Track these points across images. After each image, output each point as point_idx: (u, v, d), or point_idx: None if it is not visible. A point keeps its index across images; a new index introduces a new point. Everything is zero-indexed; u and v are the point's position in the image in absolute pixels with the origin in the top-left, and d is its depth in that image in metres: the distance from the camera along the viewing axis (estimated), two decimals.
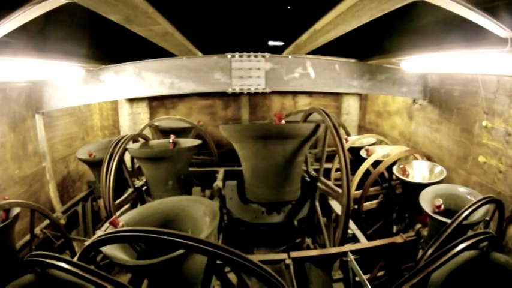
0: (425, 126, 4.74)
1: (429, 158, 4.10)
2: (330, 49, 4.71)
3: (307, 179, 3.92)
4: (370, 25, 2.96)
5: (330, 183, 3.68)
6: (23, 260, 1.62)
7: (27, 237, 3.12)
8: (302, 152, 3.28)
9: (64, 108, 4.77)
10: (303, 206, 3.85)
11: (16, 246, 2.86)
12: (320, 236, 3.78)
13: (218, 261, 1.75)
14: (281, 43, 5.58)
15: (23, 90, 3.96)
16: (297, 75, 4.24)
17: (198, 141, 3.96)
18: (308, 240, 4.17)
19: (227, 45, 4.53)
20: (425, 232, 3.02)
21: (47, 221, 3.44)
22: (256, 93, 4.32)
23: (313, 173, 3.93)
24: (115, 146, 3.53)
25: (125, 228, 1.77)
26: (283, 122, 3.33)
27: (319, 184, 3.61)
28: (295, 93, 7.56)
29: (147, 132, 5.96)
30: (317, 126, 3.16)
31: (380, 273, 3.03)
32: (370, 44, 4.86)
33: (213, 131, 7.11)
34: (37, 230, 3.38)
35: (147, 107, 7.22)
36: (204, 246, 1.42)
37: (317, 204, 3.69)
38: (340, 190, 3.02)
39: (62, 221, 3.93)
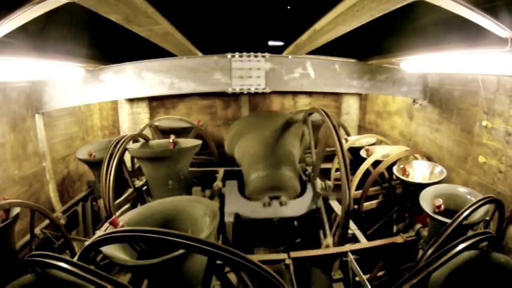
0: (425, 126, 4.74)
1: (429, 158, 4.10)
2: (330, 49, 4.71)
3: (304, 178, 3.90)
4: (370, 25, 2.96)
5: (330, 183, 3.67)
6: (23, 260, 1.62)
7: (27, 237, 3.12)
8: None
9: (64, 108, 4.76)
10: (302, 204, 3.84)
11: (16, 246, 2.86)
12: (320, 235, 3.77)
13: (218, 261, 1.74)
14: (281, 43, 5.58)
15: (23, 90, 3.95)
16: (297, 75, 4.24)
17: (198, 141, 3.96)
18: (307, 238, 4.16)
19: (227, 45, 4.53)
20: (425, 232, 3.02)
21: (47, 221, 3.44)
22: (256, 93, 4.32)
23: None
24: (115, 146, 3.53)
25: (125, 228, 1.77)
26: None
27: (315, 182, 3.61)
28: (295, 93, 7.55)
29: (147, 132, 5.95)
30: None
31: (380, 273, 3.03)
32: (370, 44, 4.85)
33: (213, 131, 7.11)
34: (37, 230, 3.38)
35: (147, 107, 7.21)
36: (204, 246, 1.42)
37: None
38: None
39: (62, 221, 3.92)
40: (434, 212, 2.65)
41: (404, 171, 3.59)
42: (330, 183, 3.68)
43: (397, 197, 4.02)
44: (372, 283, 2.60)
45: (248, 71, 4.09)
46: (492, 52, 2.43)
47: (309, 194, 3.80)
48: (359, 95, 7.38)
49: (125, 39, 4.10)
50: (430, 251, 2.03)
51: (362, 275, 2.33)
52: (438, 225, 2.50)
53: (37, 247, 3.19)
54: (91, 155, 4.33)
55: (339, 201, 3.07)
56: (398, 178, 3.63)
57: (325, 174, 3.89)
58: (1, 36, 2.11)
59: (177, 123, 6.13)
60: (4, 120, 3.61)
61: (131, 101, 6.98)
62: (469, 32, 2.58)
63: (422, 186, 3.11)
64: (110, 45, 4.53)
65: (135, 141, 4.34)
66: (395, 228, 4.12)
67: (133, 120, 7.09)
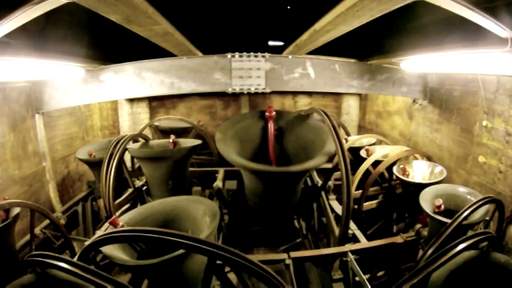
0: (425, 126, 4.74)
1: (429, 158, 4.10)
2: (330, 49, 4.71)
3: (309, 183, 3.89)
4: (370, 25, 2.96)
5: (330, 183, 3.66)
6: (23, 260, 1.62)
7: (27, 237, 3.12)
8: (305, 176, 3.24)
9: (64, 108, 4.76)
10: (303, 206, 3.84)
11: (16, 246, 2.86)
12: (320, 235, 3.78)
13: (218, 261, 1.75)
14: (281, 43, 5.58)
15: (23, 90, 3.96)
16: (297, 75, 4.24)
17: (198, 141, 3.96)
18: (306, 234, 4.16)
19: (227, 45, 4.53)
20: (425, 232, 3.01)
21: (47, 221, 3.44)
22: (256, 93, 4.32)
23: (317, 179, 3.88)
24: (115, 146, 3.53)
25: (125, 228, 1.77)
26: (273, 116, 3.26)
27: (320, 200, 3.59)
28: (295, 93, 7.55)
29: (147, 132, 5.96)
30: (331, 158, 3.06)
31: (380, 273, 3.03)
32: (370, 44, 4.85)
33: (213, 131, 7.09)
34: (37, 230, 3.38)
35: (147, 107, 7.21)
36: (204, 246, 1.43)
37: (315, 207, 3.68)
38: (336, 231, 2.96)
39: (62, 221, 3.93)
40: (434, 212, 2.64)
41: (404, 171, 3.58)
42: (330, 183, 3.68)
43: (397, 197, 4.02)
44: (372, 283, 2.60)
45: (248, 71, 4.09)
46: (492, 52, 2.42)
47: (309, 199, 3.77)
48: (359, 95, 7.38)
49: (125, 39, 4.09)
50: (430, 251, 2.03)
51: (362, 275, 2.33)
52: (438, 225, 2.50)
53: (37, 247, 3.19)
54: (91, 155, 4.33)
55: (339, 201, 3.07)
56: (398, 178, 3.63)
57: (325, 174, 3.88)
58: (1, 36, 2.11)
59: (177, 123, 6.14)
60: (4, 120, 3.61)
61: (131, 101, 6.97)
62: (469, 32, 2.58)
63: (422, 186, 3.11)
64: (110, 45, 4.52)
65: (135, 141, 4.34)
66: (395, 228, 4.11)
67: (133, 120, 7.09)
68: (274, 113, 3.39)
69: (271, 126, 3.42)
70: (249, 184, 3.42)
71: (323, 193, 3.57)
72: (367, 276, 2.76)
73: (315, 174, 4.01)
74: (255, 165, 2.96)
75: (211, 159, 5.94)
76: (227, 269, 2.11)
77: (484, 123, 3.43)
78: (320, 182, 3.72)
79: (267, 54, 4.11)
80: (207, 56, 4.13)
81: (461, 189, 2.91)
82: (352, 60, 5.11)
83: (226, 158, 3.13)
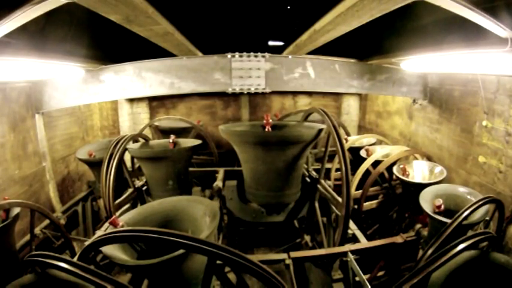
0: (425, 126, 4.74)
1: (429, 158, 4.10)
2: (330, 49, 4.71)
3: (308, 180, 3.91)
4: (370, 25, 2.96)
5: (330, 183, 3.68)
6: (23, 260, 1.62)
7: (27, 237, 3.12)
8: (303, 155, 3.30)
9: (64, 108, 4.76)
10: (303, 206, 3.85)
11: (16, 246, 2.86)
12: (320, 235, 3.78)
13: (218, 261, 1.75)
14: (281, 43, 5.58)
15: (23, 90, 3.96)
16: (297, 75, 4.24)
17: (198, 141, 3.97)
18: (307, 238, 4.16)
19: (227, 45, 4.53)
20: (425, 232, 3.02)
21: (47, 221, 3.44)
22: (256, 93, 4.32)
23: (314, 173, 3.93)
24: (115, 146, 3.53)
25: (125, 228, 1.77)
26: (270, 122, 3.52)
27: (319, 186, 3.61)
28: (295, 93, 7.55)
29: (147, 132, 5.95)
30: (319, 131, 3.15)
31: (380, 273, 3.03)
32: (370, 44, 4.85)
33: (213, 131, 7.10)
34: (37, 230, 3.39)
35: (147, 107, 7.21)
36: (204, 246, 1.43)
37: (317, 205, 3.69)
38: (339, 198, 3.00)
39: (62, 221, 3.93)
40: (435, 212, 2.64)
41: (404, 171, 3.58)
42: (330, 183, 3.69)
43: (397, 197, 4.02)
44: (372, 283, 2.61)
45: (248, 71, 4.09)
46: (492, 52, 2.43)
47: (308, 196, 3.81)
48: (359, 95, 7.38)
49: (125, 39, 4.09)
50: (430, 251, 2.03)
51: (362, 275, 2.34)
52: (438, 225, 2.50)
53: (37, 247, 3.19)
54: (91, 155, 4.33)
55: (338, 208, 3.08)
56: (398, 178, 3.63)
57: (325, 174, 3.89)
58: (1, 36, 2.11)
59: (177, 123, 6.14)
60: (4, 120, 3.61)
61: (131, 101, 6.98)
62: (469, 32, 2.58)
63: (422, 186, 3.11)
64: (110, 45, 4.52)
65: (135, 141, 4.34)
66: (395, 228, 4.11)
67: (133, 120, 7.09)
68: (270, 120, 3.59)
69: (268, 128, 3.53)
70: (248, 170, 3.45)
71: (323, 182, 3.60)
72: (367, 276, 2.77)
73: (312, 171, 4.02)
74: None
75: (211, 159, 5.94)
76: (227, 269, 2.11)
77: (484, 123, 3.43)
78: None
79: (267, 54, 4.12)
80: (207, 56, 4.13)
81: (461, 189, 2.91)
82: (352, 60, 5.11)
83: (228, 133, 3.34)
